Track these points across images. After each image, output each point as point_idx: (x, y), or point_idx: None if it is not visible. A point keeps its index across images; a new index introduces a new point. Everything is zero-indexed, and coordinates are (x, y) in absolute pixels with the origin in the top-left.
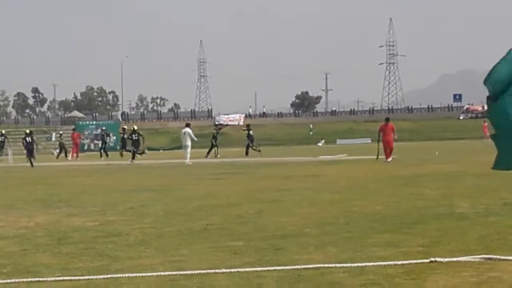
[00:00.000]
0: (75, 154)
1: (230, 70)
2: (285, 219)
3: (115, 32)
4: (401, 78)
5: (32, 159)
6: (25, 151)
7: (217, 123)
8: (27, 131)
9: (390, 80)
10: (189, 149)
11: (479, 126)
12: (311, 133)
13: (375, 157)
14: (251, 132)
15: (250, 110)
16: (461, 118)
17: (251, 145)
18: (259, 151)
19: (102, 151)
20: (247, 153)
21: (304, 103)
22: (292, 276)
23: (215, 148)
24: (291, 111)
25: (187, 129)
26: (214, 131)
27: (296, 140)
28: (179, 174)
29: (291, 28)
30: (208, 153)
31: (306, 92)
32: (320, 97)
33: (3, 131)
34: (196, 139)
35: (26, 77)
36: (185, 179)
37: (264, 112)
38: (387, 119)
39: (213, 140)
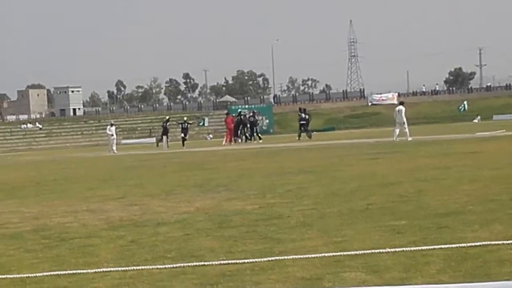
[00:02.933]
0: (228, 138)
1: (381, 49)
2: (446, 197)
3: (261, 15)
4: None
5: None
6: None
7: (371, 103)
8: (167, 117)
9: None
10: (405, 125)
11: None
12: (461, 110)
13: None
14: (303, 115)
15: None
16: None
17: (303, 129)
18: (310, 137)
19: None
20: (301, 136)
21: (458, 79)
22: (459, 254)
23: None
24: (445, 88)
25: (400, 107)
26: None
27: (451, 117)
28: (334, 155)
29: (442, 3)
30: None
31: (459, 68)
32: (474, 73)
33: (168, 117)
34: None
35: (177, 63)
36: (341, 160)
37: (422, 91)
38: None
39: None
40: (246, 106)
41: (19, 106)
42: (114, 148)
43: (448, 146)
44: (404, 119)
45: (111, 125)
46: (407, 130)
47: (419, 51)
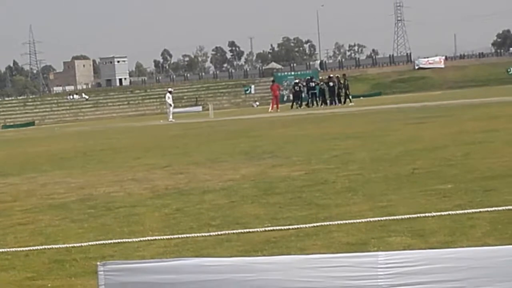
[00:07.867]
0: (275, 106)
1: (428, 12)
2: (494, 160)
3: None
4: None
5: None
6: None
7: (417, 66)
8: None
9: None
10: None
11: None
12: (510, 72)
13: None
14: (330, 83)
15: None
16: None
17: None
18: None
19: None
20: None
21: (506, 41)
22: (506, 217)
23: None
24: (492, 50)
25: None
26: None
27: (499, 80)
28: (380, 120)
29: None
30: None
31: (508, 31)
32: None
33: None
34: None
35: (223, 31)
36: (387, 125)
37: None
38: None
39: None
40: (292, 73)
41: (65, 77)
42: (171, 116)
43: (497, 109)
44: None
45: (169, 92)
46: None
47: (466, 13)
